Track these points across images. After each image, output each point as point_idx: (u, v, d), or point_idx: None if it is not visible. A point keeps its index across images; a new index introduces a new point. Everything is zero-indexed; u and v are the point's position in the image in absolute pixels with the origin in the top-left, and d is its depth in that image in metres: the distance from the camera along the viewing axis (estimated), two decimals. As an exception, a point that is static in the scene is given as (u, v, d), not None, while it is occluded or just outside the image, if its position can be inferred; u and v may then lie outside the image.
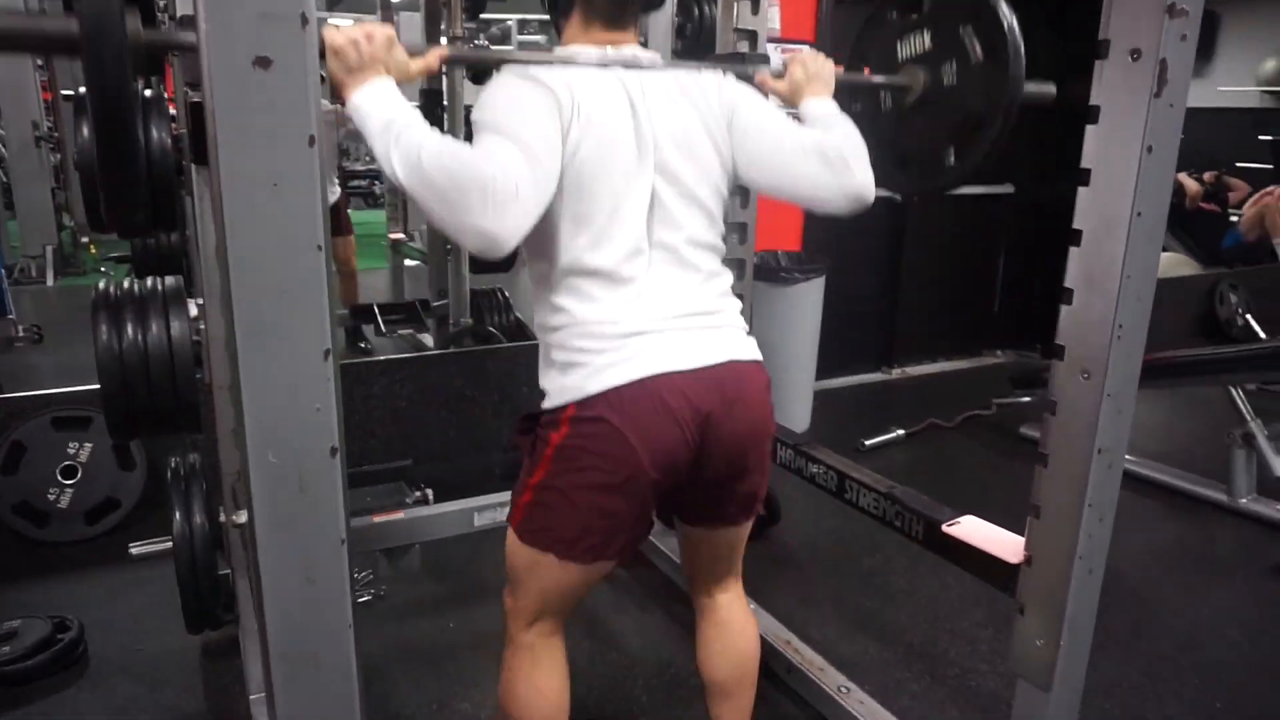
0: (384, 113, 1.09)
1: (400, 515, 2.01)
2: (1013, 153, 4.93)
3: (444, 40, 3.79)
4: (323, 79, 0.81)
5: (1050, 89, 1.58)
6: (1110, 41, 1.18)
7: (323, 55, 1.13)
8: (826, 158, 1.32)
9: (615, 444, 1.23)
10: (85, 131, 1.71)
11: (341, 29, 1.11)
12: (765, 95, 1.47)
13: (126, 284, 1.88)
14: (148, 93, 1.77)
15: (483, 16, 3.98)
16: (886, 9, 1.78)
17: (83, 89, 1.78)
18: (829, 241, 3.99)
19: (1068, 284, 1.29)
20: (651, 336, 1.26)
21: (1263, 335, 4.47)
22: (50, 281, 6.12)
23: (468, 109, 3.93)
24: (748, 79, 1.47)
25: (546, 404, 1.30)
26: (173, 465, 2.03)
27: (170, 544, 1.93)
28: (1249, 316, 4.51)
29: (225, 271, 0.68)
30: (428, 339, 4.57)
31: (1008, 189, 4.76)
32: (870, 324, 4.63)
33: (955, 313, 4.96)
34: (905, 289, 4.69)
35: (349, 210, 5.05)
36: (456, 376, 3.39)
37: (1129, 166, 1.18)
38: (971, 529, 1.54)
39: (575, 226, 1.25)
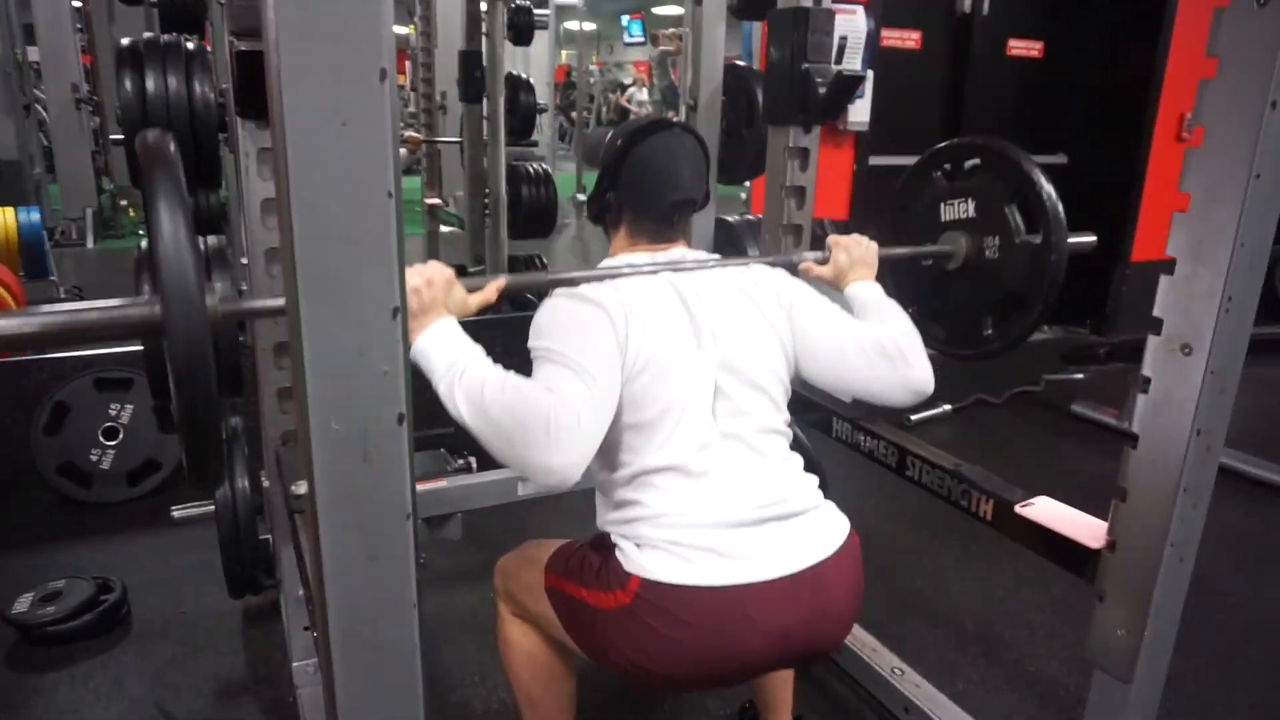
0: (447, 355, 1.09)
1: (443, 484, 1.97)
2: (1065, 123, 4.77)
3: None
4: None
5: (1091, 240, 1.61)
6: (1234, -17, 1.08)
7: None
8: (886, 354, 1.33)
9: (690, 644, 1.16)
10: (128, 86, 1.67)
11: (430, 266, 1.13)
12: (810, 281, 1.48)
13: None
14: (190, 45, 1.71)
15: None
16: (931, 169, 1.80)
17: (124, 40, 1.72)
18: (876, 210, 3.87)
19: (1170, 253, 1.19)
20: (734, 535, 1.19)
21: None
22: (90, 244, 6.15)
23: (508, 75, 3.87)
24: (791, 267, 1.49)
25: (619, 555, 1.22)
26: (215, 428, 1.99)
27: (212, 508, 1.91)
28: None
29: (288, 222, 0.62)
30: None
31: (1060, 159, 4.59)
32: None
33: (1003, 285, 4.81)
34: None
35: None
36: (496, 343, 3.34)
37: (1250, 123, 1.08)
38: (1047, 510, 1.45)
39: (640, 435, 1.22)
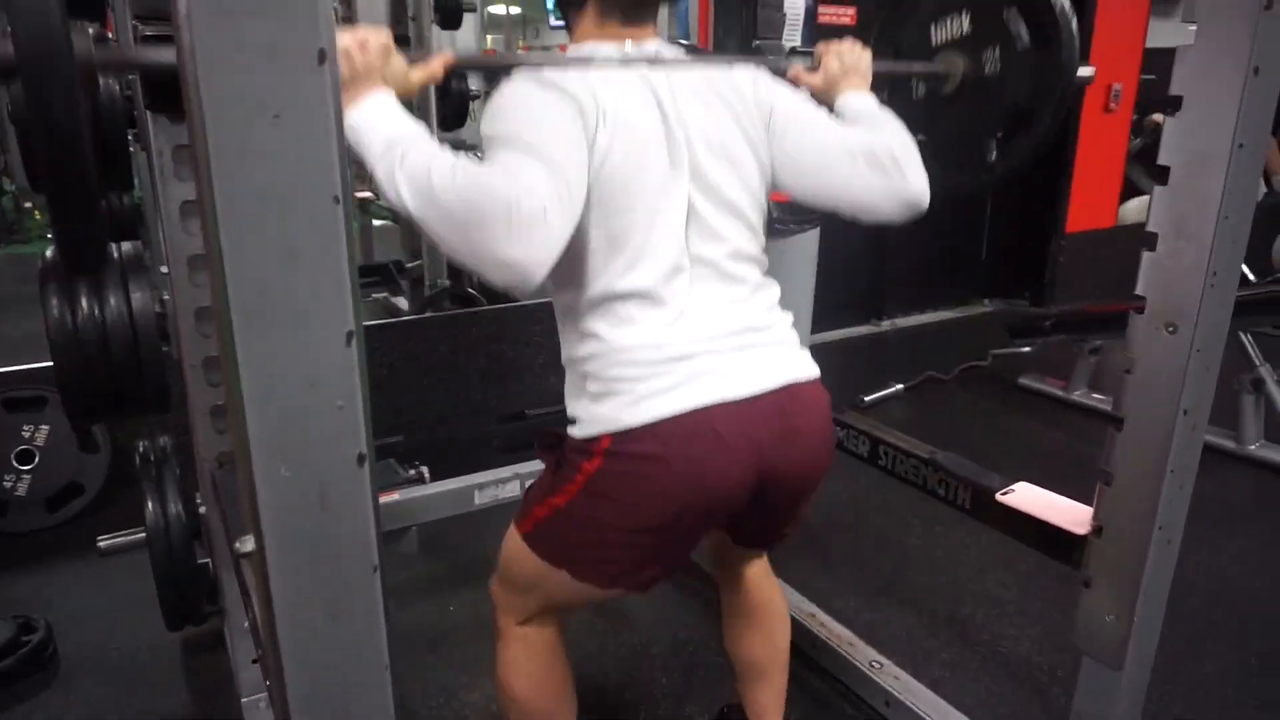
0: (385, 131, 0.95)
1: (396, 496, 1.86)
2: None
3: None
4: None
5: (1090, 72, 1.42)
6: (1213, -50, 1.04)
7: None
8: (877, 160, 1.18)
9: (662, 483, 1.08)
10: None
11: (350, 31, 0.96)
12: (800, 90, 1.31)
13: (77, 252, 1.68)
14: (90, 31, 1.56)
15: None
16: None
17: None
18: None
19: (1151, 228, 1.16)
20: (700, 360, 1.10)
21: (1252, 278, 4.44)
22: (-8, 250, 5.79)
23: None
24: (780, 73, 1.33)
25: (575, 431, 1.13)
26: (141, 449, 1.85)
27: (143, 534, 1.77)
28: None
29: (214, 235, 0.52)
30: (402, 303, 4.37)
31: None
32: (860, 275, 4.51)
33: (943, 262, 4.85)
34: (894, 238, 4.57)
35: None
36: (440, 342, 3.22)
37: (1231, 91, 1.04)
38: (1029, 497, 1.43)
39: (608, 247, 1.09)
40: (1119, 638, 1.27)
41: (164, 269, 1.42)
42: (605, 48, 1.16)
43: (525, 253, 0.93)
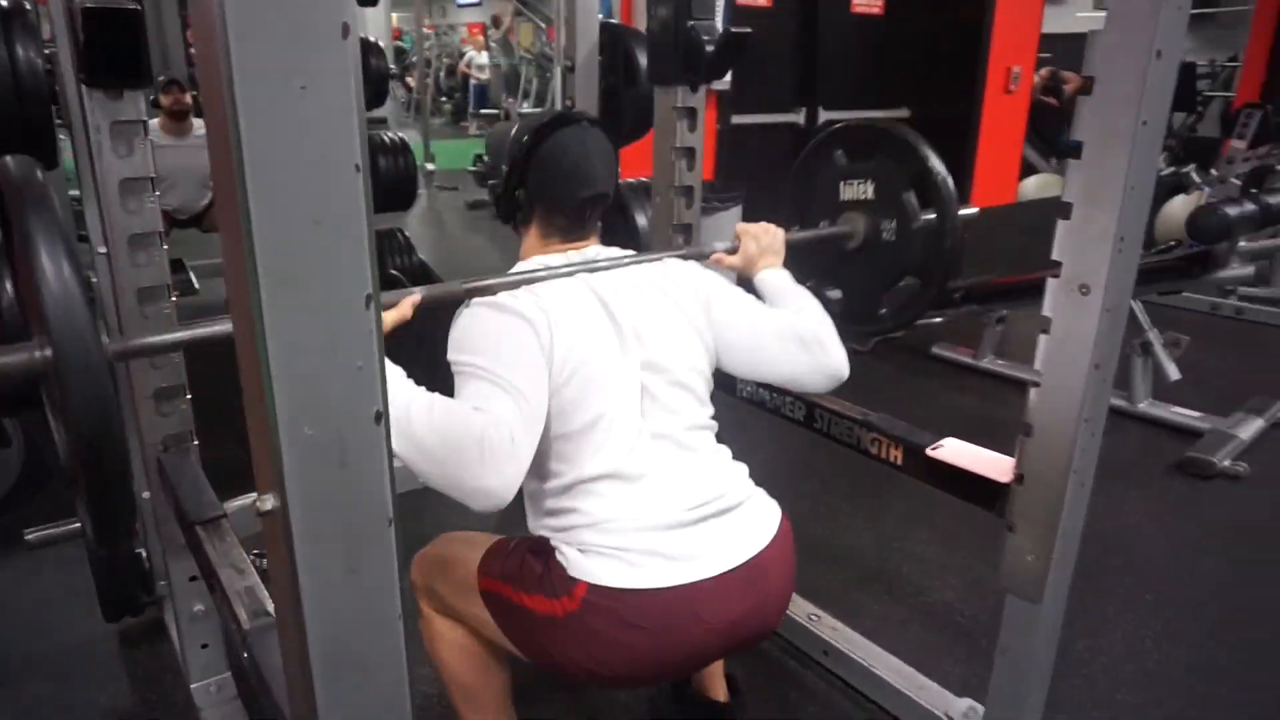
0: None
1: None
2: (906, 78, 5.01)
3: None
4: None
5: (974, 211, 1.74)
6: (1119, -59, 1.14)
7: None
8: (804, 341, 1.36)
9: (638, 650, 1.16)
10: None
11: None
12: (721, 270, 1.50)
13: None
14: (3, 3, 1.49)
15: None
16: (832, 147, 1.85)
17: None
18: (738, 169, 3.94)
19: (1066, 198, 1.26)
20: (674, 536, 1.19)
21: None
22: None
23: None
24: (702, 258, 1.50)
25: (560, 560, 1.19)
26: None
27: (74, 526, 1.73)
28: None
29: (241, 205, 0.54)
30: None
31: (903, 113, 4.81)
32: (778, 252, 4.64)
33: (857, 238, 5.03)
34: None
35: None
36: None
37: (1136, 73, 1.15)
38: (956, 451, 1.53)
39: (571, 444, 1.20)
40: (1038, 575, 1.39)
41: (101, 249, 1.39)
42: (549, 259, 1.30)
43: (498, 481, 1.04)
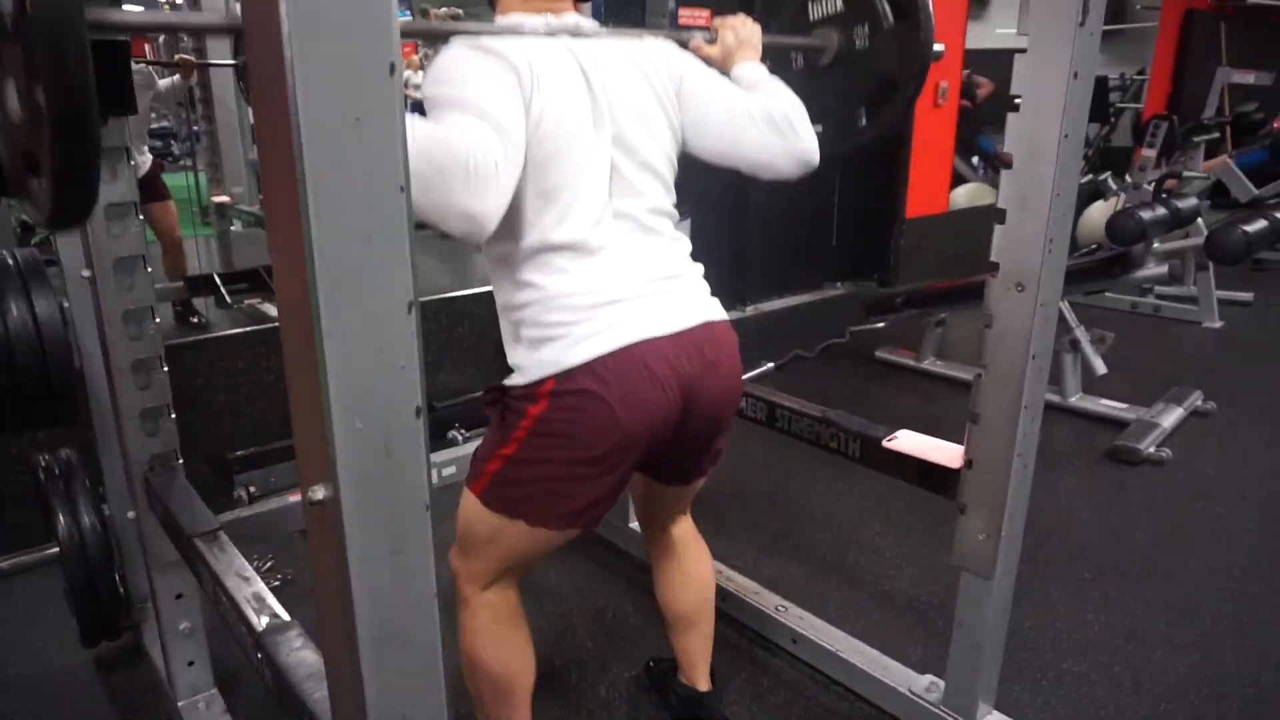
0: None
1: (317, 492, 1.90)
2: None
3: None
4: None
5: (942, 47, 1.64)
6: (1038, -27, 1.27)
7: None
8: (774, 123, 1.36)
9: (602, 416, 1.21)
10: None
11: None
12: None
13: (-32, 261, 1.62)
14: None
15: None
16: None
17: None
18: (684, 185, 4.06)
19: (1001, 204, 1.38)
20: (627, 304, 1.24)
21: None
22: None
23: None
24: (682, 44, 1.48)
25: (518, 379, 1.25)
26: (44, 464, 1.80)
27: (55, 550, 1.73)
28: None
29: (305, 224, 0.61)
30: (270, 309, 4.26)
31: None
32: (724, 264, 4.76)
33: (798, 250, 5.20)
34: (754, 229, 4.86)
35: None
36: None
37: (1058, 92, 1.28)
38: (910, 442, 1.65)
39: (541, 202, 1.21)
40: (990, 552, 1.51)
41: (85, 273, 1.42)
42: (531, 19, 1.29)
43: (482, 204, 1.06)
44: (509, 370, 1.27)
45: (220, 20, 2.04)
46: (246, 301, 3.95)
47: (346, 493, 0.68)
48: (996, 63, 6.93)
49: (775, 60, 1.76)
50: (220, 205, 4.67)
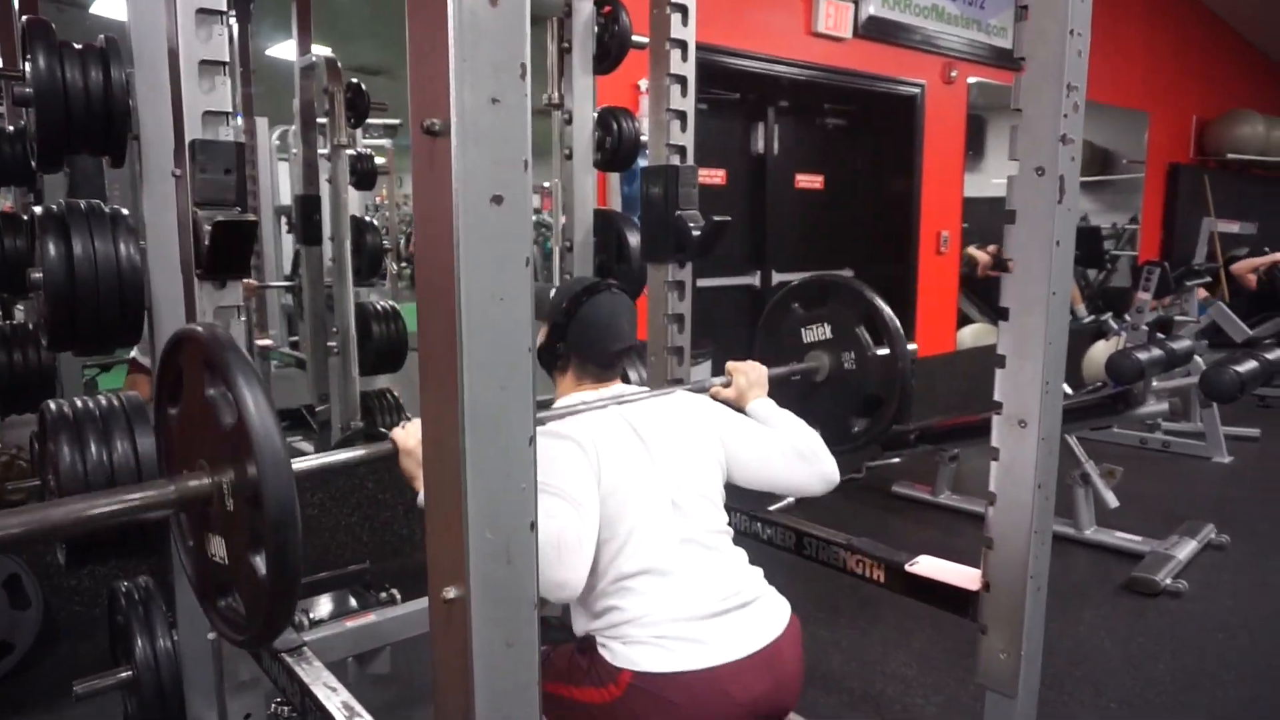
0: None
1: (372, 618, 2.01)
2: (847, 242, 5.53)
3: (327, 147, 3.86)
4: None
5: (914, 348, 2.11)
6: (1020, 161, 1.51)
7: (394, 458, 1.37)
8: (802, 455, 1.68)
9: None
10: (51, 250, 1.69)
11: (409, 429, 1.35)
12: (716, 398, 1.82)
13: (80, 403, 1.82)
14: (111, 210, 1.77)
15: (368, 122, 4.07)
16: (790, 301, 2.26)
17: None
18: (704, 328, 4.31)
19: (1001, 350, 1.57)
20: (704, 625, 1.41)
21: (1069, 390, 5.19)
22: None
23: (353, 218, 4.01)
24: (703, 391, 1.83)
25: (605, 655, 1.39)
26: (125, 589, 1.93)
27: (126, 674, 1.84)
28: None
29: (460, 376, 0.80)
30: (306, 446, 4.44)
31: (848, 272, 5.32)
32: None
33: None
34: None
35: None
36: (367, 479, 3.36)
37: (1044, 258, 1.49)
38: (930, 566, 1.77)
39: (613, 546, 1.43)
40: (1011, 671, 1.61)
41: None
42: (586, 395, 1.59)
43: (571, 574, 1.30)
44: None
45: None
46: (288, 440, 4.15)
47: (476, 592, 0.84)
48: (995, 211, 7.36)
49: (777, 384, 2.09)
50: (265, 348, 4.94)
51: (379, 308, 4.11)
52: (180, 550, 1.25)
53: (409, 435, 1.34)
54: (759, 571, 1.58)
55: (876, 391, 2.02)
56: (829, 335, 2.10)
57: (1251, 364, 3.32)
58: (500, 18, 0.77)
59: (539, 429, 1.43)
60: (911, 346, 2.14)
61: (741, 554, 1.58)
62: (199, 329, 1.10)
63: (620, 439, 1.49)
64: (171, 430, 1.23)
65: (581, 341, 1.60)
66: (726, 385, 1.85)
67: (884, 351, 2.02)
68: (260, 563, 0.99)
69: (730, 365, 1.88)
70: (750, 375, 1.85)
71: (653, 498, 1.47)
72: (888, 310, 2.00)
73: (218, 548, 1.10)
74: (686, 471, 1.54)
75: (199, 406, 1.08)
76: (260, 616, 1.03)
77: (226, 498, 1.04)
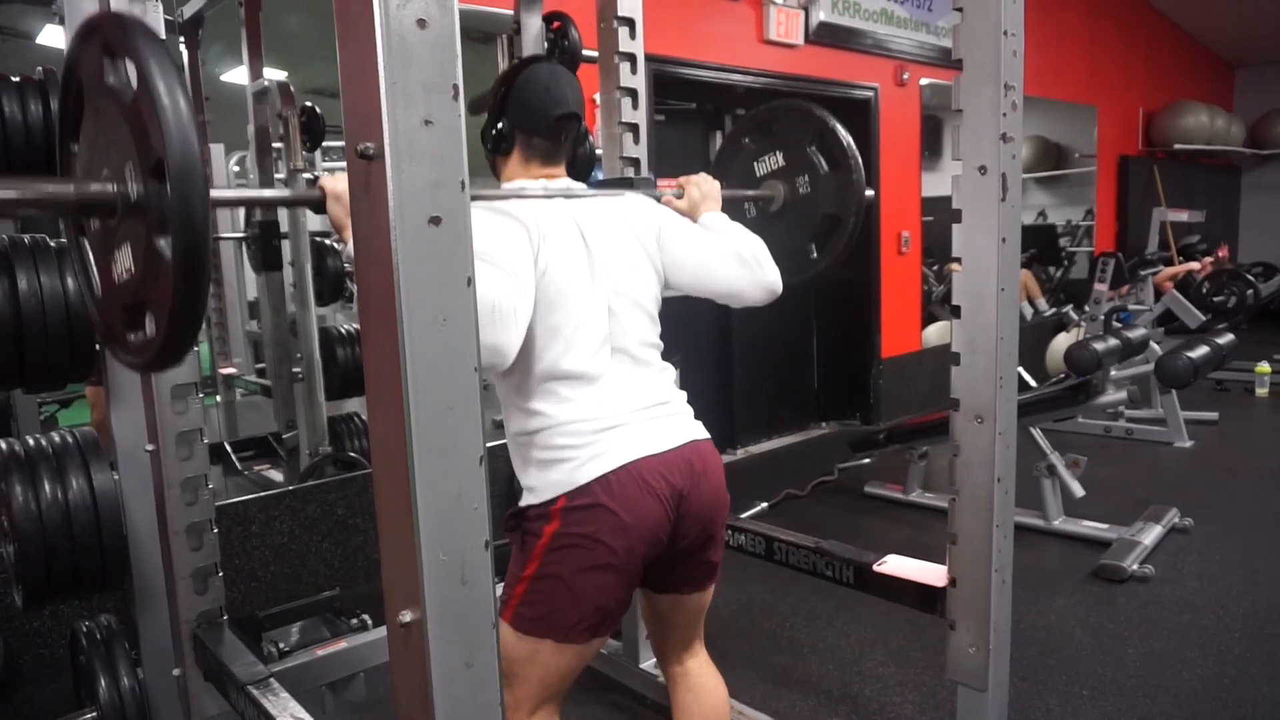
0: None
1: (344, 645, 1.99)
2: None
3: (284, 172, 3.84)
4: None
5: (871, 193, 2.01)
6: (963, 160, 1.53)
7: (321, 206, 1.27)
8: (743, 259, 1.64)
9: (610, 525, 1.39)
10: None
11: (339, 175, 1.23)
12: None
13: (32, 440, 1.79)
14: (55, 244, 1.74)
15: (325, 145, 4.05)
16: (740, 137, 2.19)
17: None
18: (669, 333, 4.32)
19: (955, 348, 1.60)
20: (625, 428, 1.45)
21: (1033, 383, 5.27)
22: None
23: (314, 241, 3.98)
24: (656, 199, 1.77)
25: (532, 499, 1.43)
26: (86, 629, 1.89)
27: (91, 715, 1.80)
28: (1021, 369, 5.29)
29: (406, 399, 0.79)
30: (275, 475, 4.39)
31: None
32: (712, 409, 4.98)
33: (783, 394, 5.44)
34: (739, 375, 5.11)
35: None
36: (338, 505, 3.33)
37: (990, 254, 1.52)
38: (898, 565, 1.79)
39: (548, 336, 1.44)
40: (981, 665, 1.63)
41: (149, 447, 1.58)
42: (530, 184, 1.56)
43: (505, 339, 1.29)
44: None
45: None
46: (255, 468, 4.09)
47: (431, 613, 0.83)
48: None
49: (732, 212, 2.06)
50: (229, 376, 4.88)
51: (343, 331, 4.06)
52: (86, 294, 1.08)
53: (338, 180, 1.28)
54: (684, 395, 1.59)
55: (834, 210, 1.96)
56: (781, 164, 2.04)
57: (1204, 349, 3.39)
58: (429, 39, 0.77)
59: (480, 205, 1.42)
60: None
61: (670, 371, 1.58)
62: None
63: (565, 235, 1.46)
64: (73, 165, 1.05)
65: (521, 111, 1.54)
66: (679, 196, 1.79)
67: (838, 171, 1.97)
68: (165, 246, 0.81)
69: (683, 178, 1.82)
70: (703, 187, 1.79)
71: (590, 301, 1.46)
72: (839, 127, 1.96)
73: (124, 258, 0.89)
74: (626, 279, 1.52)
75: (98, 115, 0.93)
76: (167, 312, 0.82)
77: (131, 188, 0.84)
